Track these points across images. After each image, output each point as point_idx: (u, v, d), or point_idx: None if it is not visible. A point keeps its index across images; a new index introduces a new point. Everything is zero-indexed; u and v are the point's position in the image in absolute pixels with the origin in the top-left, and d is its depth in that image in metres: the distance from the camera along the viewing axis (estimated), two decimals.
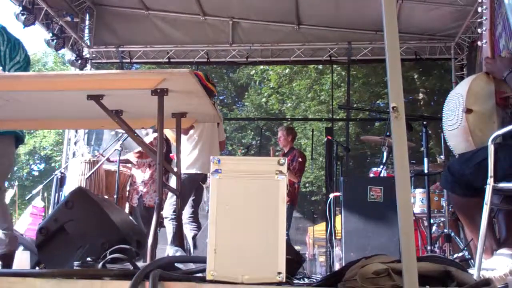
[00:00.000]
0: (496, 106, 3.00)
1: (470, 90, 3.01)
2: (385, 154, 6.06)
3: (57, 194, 7.17)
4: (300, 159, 7.42)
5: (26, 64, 4.07)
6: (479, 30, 3.29)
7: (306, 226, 17.17)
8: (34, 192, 8.49)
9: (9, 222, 3.93)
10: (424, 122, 5.16)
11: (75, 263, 2.32)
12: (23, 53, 4.05)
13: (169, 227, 5.22)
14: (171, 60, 9.64)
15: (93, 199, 2.85)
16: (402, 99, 1.94)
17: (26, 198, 13.14)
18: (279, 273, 1.96)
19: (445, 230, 5.40)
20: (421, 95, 18.22)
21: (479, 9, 3.29)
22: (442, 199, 5.83)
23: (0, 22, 4.03)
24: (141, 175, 6.14)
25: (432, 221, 5.50)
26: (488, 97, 3.02)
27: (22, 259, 2.75)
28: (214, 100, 5.81)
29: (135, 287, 1.88)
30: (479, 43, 3.29)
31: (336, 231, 5.99)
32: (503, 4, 2.06)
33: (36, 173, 32.49)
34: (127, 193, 6.35)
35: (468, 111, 2.93)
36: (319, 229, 12.44)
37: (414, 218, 5.22)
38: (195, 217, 5.55)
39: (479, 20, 3.33)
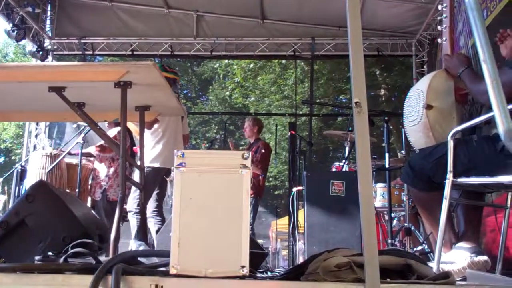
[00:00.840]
0: (456, 102, 3.07)
1: (430, 86, 3.06)
2: (347, 149, 6.12)
3: (17, 188, 7.03)
4: (263, 151, 7.33)
5: None
6: (439, 28, 3.35)
7: (269, 220, 17.24)
8: None
9: None
10: (386, 118, 5.24)
11: (36, 258, 2.29)
12: None
13: (132, 221, 5.19)
14: (135, 52, 9.52)
15: (54, 193, 2.81)
16: (365, 95, 1.96)
17: None
18: (243, 266, 1.97)
19: (406, 224, 5.49)
20: (382, 91, 18.46)
21: (440, 7, 3.35)
22: (402, 193, 5.93)
23: None
24: (105, 169, 6.07)
25: (392, 215, 5.58)
26: (447, 93, 3.08)
27: None
28: (178, 93, 5.78)
29: (98, 282, 1.86)
30: (439, 40, 3.36)
31: (299, 225, 6.03)
32: (463, 2, 2.12)
33: None
34: (89, 186, 6.27)
35: (429, 107, 2.99)
36: (282, 223, 12.49)
37: (375, 212, 5.30)
38: (159, 211, 5.53)
39: (439, 18, 3.39)
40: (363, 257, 1.87)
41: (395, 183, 6.06)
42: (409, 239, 5.28)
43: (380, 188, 6.04)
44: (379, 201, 6.00)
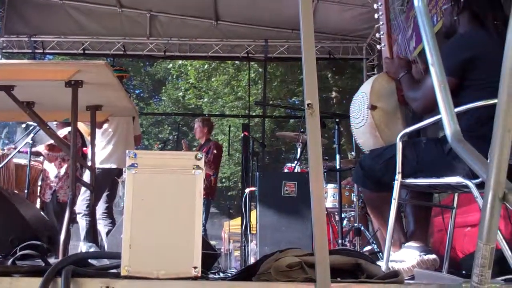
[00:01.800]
0: (399, 103, 3.16)
1: (373, 88, 3.15)
2: (299, 150, 6.17)
3: None
4: (215, 151, 7.41)
5: None
6: (377, 35, 3.47)
7: (222, 221, 17.20)
8: None
9: None
10: (337, 120, 5.32)
11: None
12: None
13: (82, 223, 5.10)
14: (86, 51, 9.35)
15: (2, 194, 2.75)
16: (317, 97, 1.98)
17: None
18: (195, 267, 1.96)
19: (355, 224, 5.58)
20: (334, 94, 18.71)
21: (376, 15, 3.47)
22: (352, 194, 6.01)
23: None
24: (55, 170, 5.95)
25: (343, 215, 5.66)
26: (390, 95, 3.18)
27: None
28: (130, 94, 5.72)
29: (47, 284, 1.83)
30: (378, 46, 3.48)
31: (251, 226, 6.05)
32: (413, 6, 2.22)
33: None
34: (39, 188, 6.13)
35: (373, 107, 3.07)
36: (235, 224, 12.51)
37: (326, 212, 5.37)
38: (109, 213, 5.46)
39: (376, 25, 3.53)
40: (314, 257, 1.89)
41: (345, 184, 6.15)
42: (358, 239, 5.37)
43: (331, 188, 6.10)
44: (330, 202, 6.06)
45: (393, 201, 2.71)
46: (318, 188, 1.93)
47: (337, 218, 5.63)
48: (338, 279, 2.00)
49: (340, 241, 4.97)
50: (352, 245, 5.42)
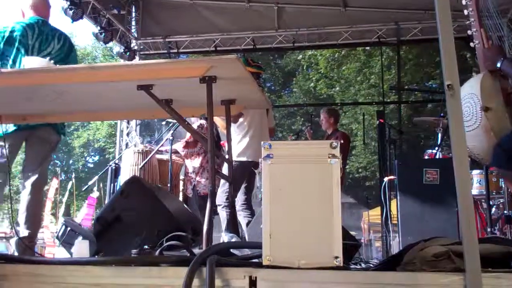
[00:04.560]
0: (504, 103, 2.99)
1: (483, 89, 3.05)
2: (439, 135, 5.92)
3: (112, 185, 7.28)
4: (342, 141, 7.28)
5: (63, 55, 4.13)
6: (469, 32, 3.27)
7: (360, 212, 17.01)
8: (90, 183, 8.66)
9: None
10: None
11: (133, 251, 2.36)
12: (59, 44, 4.12)
13: (222, 214, 5.25)
14: (218, 48, 9.63)
15: (147, 188, 2.89)
16: (457, 77, 1.89)
17: (83, 190, 13.48)
18: (336, 257, 1.93)
19: (505, 212, 5.25)
20: (474, 74, 17.76)
21: (465, 12, 3.27)
22: (500, 180, 5.65)
23: (36, 15, 4.12)
24: (191, 165, 6.16)
25: (491, 202, 5.34)
26: (497, 94, 3.08)
27: (81, 248, 2.81)
28: (262, 87, 5.79)
29: (193, 273, 1.89)
30: (471, 44, 3.28)
31: (392, 215, 5.90)
32: None
33: (91, 165, 33.53)
34: (181, 182, 6.38)
35: (486, 109, 2.95)
36: (374, 214, 12.31)
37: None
38: (248, 204, 5.56)
39: (467, 22, 3.30)
40: (462, 245, 1.79)
41: (492, 169, 5.79)
42: (509, 227, 5.04)
43: (477, 175, 5.78)
44: (476, 189, 5.74)
45: None
46: (464, 174, 1.83)
47: (484, 205, 5.34)
48: (489, 269, 1.87)
49: (489, 229, 4.70)
50: (503, 234, 5.11)
